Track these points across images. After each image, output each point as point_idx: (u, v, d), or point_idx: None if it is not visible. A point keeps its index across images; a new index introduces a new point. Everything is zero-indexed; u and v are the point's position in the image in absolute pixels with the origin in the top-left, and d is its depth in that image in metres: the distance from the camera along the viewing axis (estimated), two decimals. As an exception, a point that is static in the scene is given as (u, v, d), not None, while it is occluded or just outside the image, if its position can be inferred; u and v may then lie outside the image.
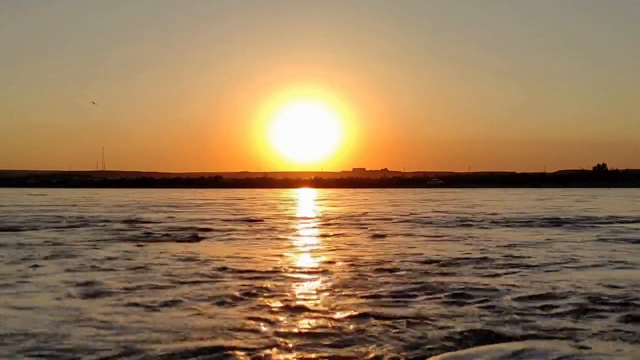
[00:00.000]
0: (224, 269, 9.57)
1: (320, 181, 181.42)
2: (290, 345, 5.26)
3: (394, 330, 5.72)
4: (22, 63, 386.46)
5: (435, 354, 5.07)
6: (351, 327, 5.85)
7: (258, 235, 16.11)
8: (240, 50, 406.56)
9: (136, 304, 6.80)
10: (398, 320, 6.07)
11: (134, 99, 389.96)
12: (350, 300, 7.06)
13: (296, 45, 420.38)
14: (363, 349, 5.15)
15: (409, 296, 7.32)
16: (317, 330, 5.72)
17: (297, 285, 8.14)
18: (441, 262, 10.37)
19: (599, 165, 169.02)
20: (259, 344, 5.28)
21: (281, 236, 16.00)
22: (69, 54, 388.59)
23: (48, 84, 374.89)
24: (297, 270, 9.58)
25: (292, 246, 13.44)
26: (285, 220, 22.97)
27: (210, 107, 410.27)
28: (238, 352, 5.02)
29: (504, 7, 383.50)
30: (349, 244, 13.70)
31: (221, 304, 6.87)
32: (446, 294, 7.45)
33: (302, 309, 6.59)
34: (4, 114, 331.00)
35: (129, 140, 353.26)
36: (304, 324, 5.99)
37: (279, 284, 8.22)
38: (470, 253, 11.78)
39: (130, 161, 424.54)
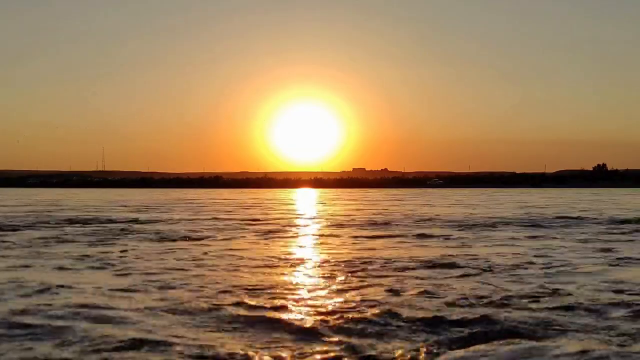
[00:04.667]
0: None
1: (320, 181, 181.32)
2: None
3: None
4: (22, 63, 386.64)
5: (443, 352, 5.14)
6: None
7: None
8: (240, 51, 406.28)
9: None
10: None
11: (134, 99, 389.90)
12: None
13: (296, 45, 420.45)
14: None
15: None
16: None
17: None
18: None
19: (599, 165, 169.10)
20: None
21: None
22: (69, 54, 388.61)
23: (48, 84, 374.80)
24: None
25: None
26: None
27: (211, 107, 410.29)
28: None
29: (504, 7, 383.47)
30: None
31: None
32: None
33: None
34: (4, 114, 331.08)
35: (129, 140, 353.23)
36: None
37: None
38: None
39: (130, 161, 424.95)
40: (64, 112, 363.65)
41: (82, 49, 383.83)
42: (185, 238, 15.68)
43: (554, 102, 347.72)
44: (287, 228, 19.57)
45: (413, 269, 9.89)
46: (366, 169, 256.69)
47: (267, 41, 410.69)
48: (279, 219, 24.65)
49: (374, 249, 13.13)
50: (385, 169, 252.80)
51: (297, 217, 26.06)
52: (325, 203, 46.51)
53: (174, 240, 15.04)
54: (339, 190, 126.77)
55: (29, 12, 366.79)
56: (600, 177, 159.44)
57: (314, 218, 25.64)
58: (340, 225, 20.63)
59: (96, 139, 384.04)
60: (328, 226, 20.51)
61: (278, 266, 10.37)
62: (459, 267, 10.05)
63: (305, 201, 52.11)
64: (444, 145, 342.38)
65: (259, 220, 23.59)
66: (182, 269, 9.83)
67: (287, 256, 11.81)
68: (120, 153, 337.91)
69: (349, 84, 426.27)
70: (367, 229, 18.88)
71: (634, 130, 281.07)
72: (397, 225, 20.52)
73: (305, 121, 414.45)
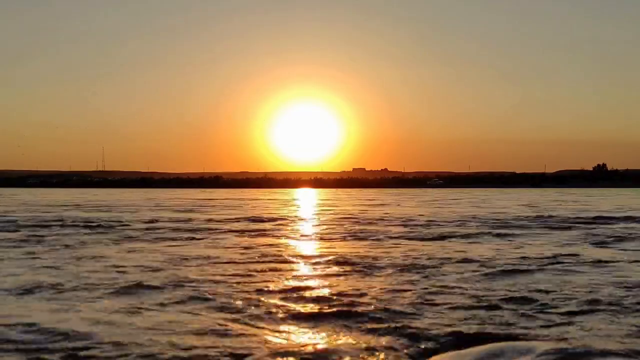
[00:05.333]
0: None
1: (320, 181, 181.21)
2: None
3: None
4: (22, 63, 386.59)
5: (439, 352, 5.13)
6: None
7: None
8: (240, 51, 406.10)
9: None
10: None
11: (134, 99, 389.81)
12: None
13: (296, 45, 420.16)
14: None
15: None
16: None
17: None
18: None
19: (599, 165, 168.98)
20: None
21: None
22: (69, 54, 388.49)
23: (48, 84, 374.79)
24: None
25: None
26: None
27: (211, 107, 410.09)
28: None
29: (504, 7, 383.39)
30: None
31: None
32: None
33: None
34: (4, 114, 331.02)
35: (129, 140, 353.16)
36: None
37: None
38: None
39: (130, 161, 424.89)
40: (64, 112, 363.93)
41: (82, 49, 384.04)
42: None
43: (554, 102, 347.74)
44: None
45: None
46: (366, 169, 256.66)
47: (267, 41, 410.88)
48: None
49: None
50: (385, 169, 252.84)
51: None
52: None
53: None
54: (338, 190, 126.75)
55: (29, 12, 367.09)
56: (600, 177, 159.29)
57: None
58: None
59: (96, 139, 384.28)
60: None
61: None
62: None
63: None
64: (444, 145, 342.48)
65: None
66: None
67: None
68: (120, 153, 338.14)
69: (349, 84, 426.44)
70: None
71: (634, 130, 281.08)
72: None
73: (305, 121, 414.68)
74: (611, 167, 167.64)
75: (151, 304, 7.17)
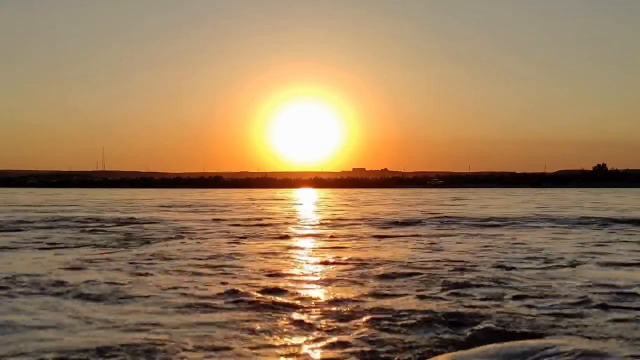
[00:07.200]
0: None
1: (320, 181, 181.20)
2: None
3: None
4: (23, 63, 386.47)
5: (440, 353, 5.11)
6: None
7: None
8: (239, 50, 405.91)
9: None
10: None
11: (134, 99, 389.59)
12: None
13: (296, 44, 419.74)
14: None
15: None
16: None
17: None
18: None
19: (599, 165, 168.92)
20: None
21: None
22: (68, 54, 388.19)
23: (48, 84, 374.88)
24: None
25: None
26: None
27: (210, 107, 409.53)
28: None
29: (504, 7, 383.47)
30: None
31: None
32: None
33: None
34: (3, 114, 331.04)
35: (129, 140, 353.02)
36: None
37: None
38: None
39: (130, 161, 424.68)
40: (64, 113, 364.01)
41: (82, 49, 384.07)
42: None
43: (554, 102, 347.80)
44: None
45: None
46: (366, 169, 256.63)
47: (267, 40, 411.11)
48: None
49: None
50: (385, 169, 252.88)
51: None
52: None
53: None
54: (337, 190, 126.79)
55: (29, 12, 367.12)
56: (600, 177, 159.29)
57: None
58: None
59: (96, 139, 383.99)
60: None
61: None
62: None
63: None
64: (444, 145, 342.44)
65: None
66: None
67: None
68: (120, 153, 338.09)
69: (350, 84, 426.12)
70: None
71: (634, 130, 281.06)
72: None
73: (305, 121, 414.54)
74: (611, 167, 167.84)
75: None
